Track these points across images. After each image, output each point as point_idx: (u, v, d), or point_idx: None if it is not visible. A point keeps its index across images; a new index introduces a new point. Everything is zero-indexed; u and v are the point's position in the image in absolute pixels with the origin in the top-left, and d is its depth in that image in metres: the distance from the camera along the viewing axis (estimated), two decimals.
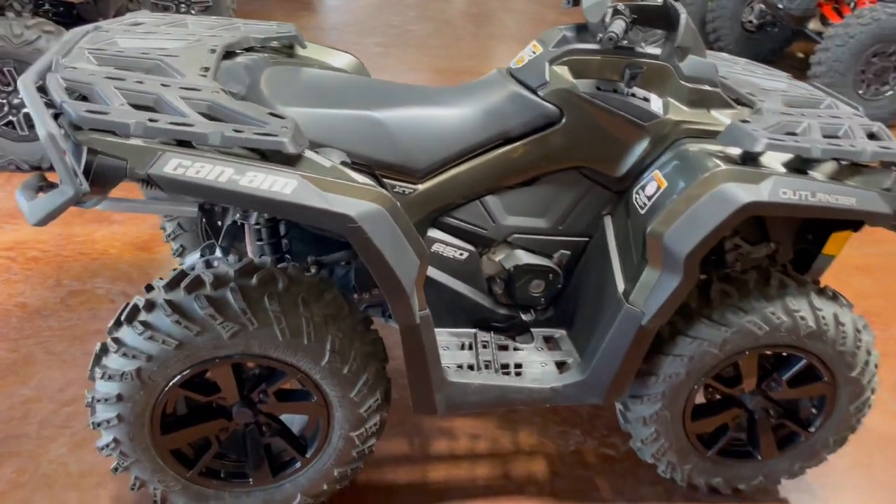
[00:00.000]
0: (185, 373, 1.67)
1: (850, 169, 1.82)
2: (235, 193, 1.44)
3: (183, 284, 1.64)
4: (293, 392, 1.86)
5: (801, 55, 7.15)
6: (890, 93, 5.34)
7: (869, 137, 1.87)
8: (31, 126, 3.68)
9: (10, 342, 2.57)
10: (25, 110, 3.65)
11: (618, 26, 1.70)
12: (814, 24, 5.86)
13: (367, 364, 1.78)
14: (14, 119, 3.67)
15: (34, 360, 2.50)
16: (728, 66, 2.33)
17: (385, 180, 1.90)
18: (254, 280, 1.66)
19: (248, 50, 2.12)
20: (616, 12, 1.73)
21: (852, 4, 5.68)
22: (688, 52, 1.86)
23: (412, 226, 1.61)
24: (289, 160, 1.51)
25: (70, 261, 3.06)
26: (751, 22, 6.54)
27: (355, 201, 1.51)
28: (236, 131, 1.44)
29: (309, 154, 1.56)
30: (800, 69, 5.69)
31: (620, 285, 1.87)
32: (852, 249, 3.71)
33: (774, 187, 1.67)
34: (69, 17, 3.97)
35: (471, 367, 2.00)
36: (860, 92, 5.28)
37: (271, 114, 1.54)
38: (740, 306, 1.86)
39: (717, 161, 1.73)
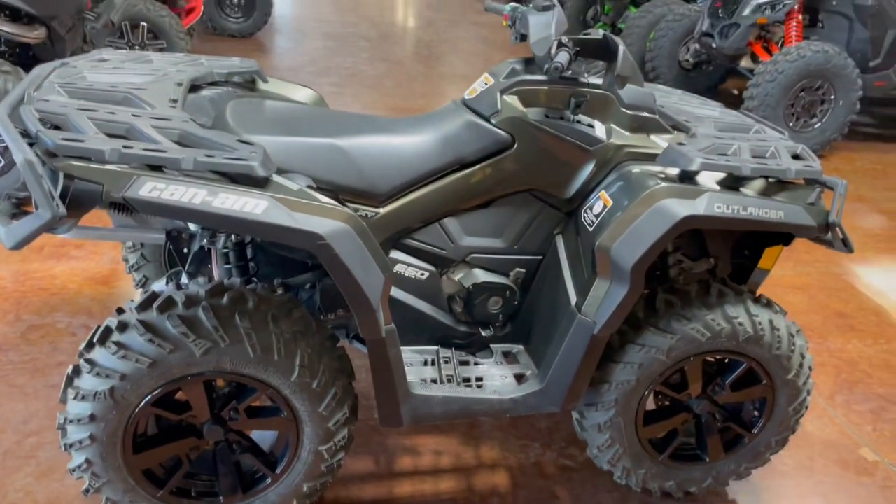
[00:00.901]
0: (157, 391, 1.72)
1: (778, 186, 1.99)
2: (209, 214, 1.51)
3: (155, 305, 1.70)
4: (263, 409, 1.91)
5: (735, 91, 7.54)
6: (818, 124, 5.68)
7: (793, 158, 2.05)
8: None
9: None
10: None
11: (562, 58, 1.85)
12: (745, 62, 6.22)
13: (336, 379, 1.85)
14: None
15: None
16: (665, 97, 2.51)
17: (348, 204, 2.00)
18: (224, 299, 1.73)
19: (212, 84, 2.21)
20: (560, 45, 1.88)
21: (780, 43, 6.06)
22: (627, 80, 2.02)
23: (377, 244, 1.70)
24: (258, 183, 1.60)
25: (29, 296, 3.06)
26: (687, 61, 6.91)
27: (323, 220, 1.60)
28: (208, 156, 1.53)
29: (277, 178, 1.65)
30: (735, 104, 6.02)
31: (573, 298, 1.99)
32: (789, 269, 3.94)
33: (709, 202, 1.82)
34: (26, 58, 3.99)
35: (434, 382, 2.08)
36: (790, 124, 5.61)
37: (240, 140, 1.63)
38: (683, 315, 2.00)
39: (658, 180, 1.88)
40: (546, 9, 2.03)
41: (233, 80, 2.28)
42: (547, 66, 1.87)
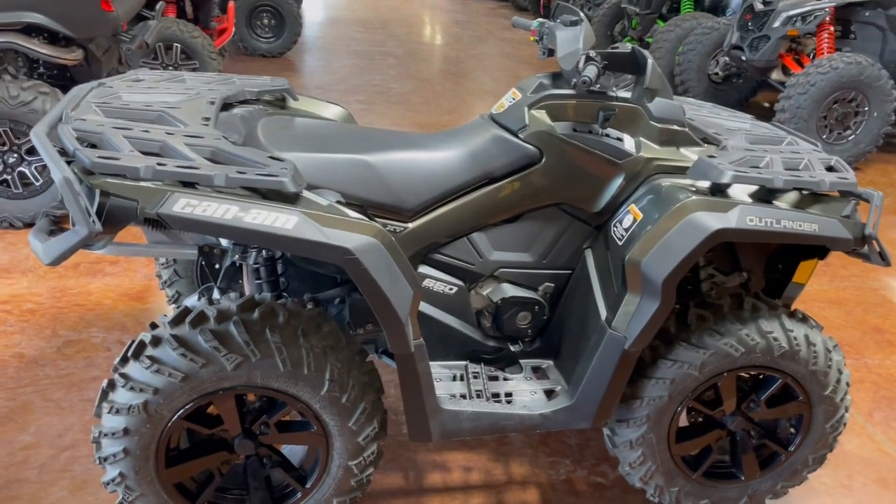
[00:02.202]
0: (189, 405, 1.73)
1: (811, 198, 1.96)
2: (240, 229, 1.53)
3: (188, 320, 1.72)
4: (293, 423, 1.92)
5: (766, 104, 7.46)
6: (852, 137, 5.60)
7: (827, 170, 2.01)
8: (25, 184, 3.78)
9: (7, 391, 2.60)
10: (20, 169, 3.75)
11: (590, 72, 1.84)
12: (776, 75, 6.15)
13: (365, 393, 1.85)
14: (9, 178, 3.76)
15: (32, 407, 2.53)
16: (695, 110, 2.49)
17: (377, 219, 2.01)
18: (255, 314, 1.74)
19: (244, 102, 2.24)
20: (588, 59, 1.87)
21: (812, 55, 5.98)
22: (656, 93, 2.01)
23: (406, 258, 1.71)
24: (288, 199, 1.62)
25: (65, 312, 3.12)
26: (717, 74, 6.86)
27: (352, 235, 1.61)
28: (240, 173, 1.55)
29: (307, 193, 1.67)
30: (766, 117, 5.95)
31: (603, 313, 1.97)
32: (825, 283, 3.87)
33: (741, 215, 1.80)
34: (63, 80, 4.09)
35: (463, 397, 2.07)
36: (823, 137, 5.53)
37: (271, 157, 1.65)
38: (716, 329, 1.97)
39: (688, 193, 1.86)
40: (573, 24, 2.03)
41: (263, 99, 2.32)
42: (575, 80, 1.86)
